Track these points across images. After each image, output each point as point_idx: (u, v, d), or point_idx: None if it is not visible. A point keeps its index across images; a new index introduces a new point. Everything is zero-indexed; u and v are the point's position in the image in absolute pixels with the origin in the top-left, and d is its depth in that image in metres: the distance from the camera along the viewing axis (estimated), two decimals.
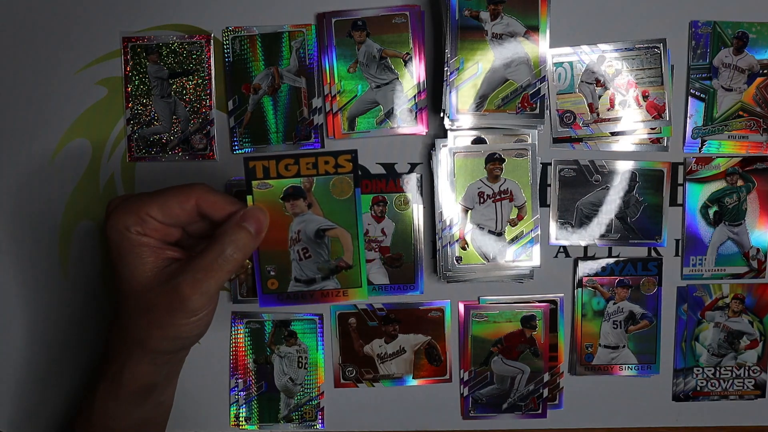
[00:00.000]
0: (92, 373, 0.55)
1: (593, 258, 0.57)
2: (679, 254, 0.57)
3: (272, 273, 0.42)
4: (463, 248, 0.54)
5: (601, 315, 0.57)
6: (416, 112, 0.55)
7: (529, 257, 0.54)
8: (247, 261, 0.45)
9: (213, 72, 0.55)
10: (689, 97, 0.56)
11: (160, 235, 0.43)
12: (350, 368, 0.57)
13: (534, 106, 0.53)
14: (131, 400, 0.46)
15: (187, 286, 0.41)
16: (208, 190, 0.43)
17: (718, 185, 0.57)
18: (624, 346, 0.57)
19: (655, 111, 0.55)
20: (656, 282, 0.57)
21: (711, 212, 0.57)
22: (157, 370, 0.45)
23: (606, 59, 0.55)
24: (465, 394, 0.58)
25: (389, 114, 0.55)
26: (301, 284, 0.43)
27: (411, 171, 0.56)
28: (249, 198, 0.42)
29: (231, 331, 0.57)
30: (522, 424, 0.58)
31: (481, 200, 0.54)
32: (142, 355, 0.44)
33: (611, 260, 0.57)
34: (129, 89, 0.55)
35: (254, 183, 0.42)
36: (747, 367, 0.58)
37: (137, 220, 0.42)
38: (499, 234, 0.54)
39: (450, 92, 0.53)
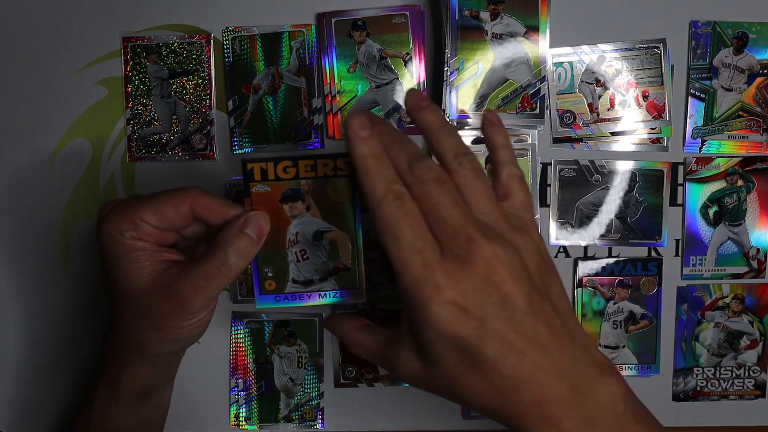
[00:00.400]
0: (90, 375, 0.55)
1: (593, 258, 0.57)
2: (679, 254, 0.57)
3: (270, 274, 0.42)
4: None
5: (601, 315, 0.57)
6: None
7: None
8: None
9: (213, 72, 0.55)
10: (689, 97, 0.56)
11: (155, 239, 0.43)
12: (350, 368, 0.57)
13: (534, 106, 0.53)
14: (130, 403, 0.46)
15: (189, 291, 0.41)
16: (202, 193, 0.43)
17: (718, 185, 0.57)
18: (624, 346, 0.57)
19: (655, 111, 0.55)
20: (656, 282, 0.57)
21: (711, 212, 0.57)
22: (156, 372, 0.45)
23: (606, 59, 0.55)
24: None
25: (389, 114, 0.55)
26: (298, 285, 0.43)
27: None
28: (247, 200, 0.42)
29: (231, 331, 0.57)
30: None
31: None
32: (141, 358, 0.44)
33: (611, 260, 0.57)
34: (129, 89, 0.55)
35: (252, 185, 0.42)
36: (747, 367, 0.58)
37: (131, 225, 0.42)
38: None
39: (450, 92, 0.53)
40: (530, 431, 0.35)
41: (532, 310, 0.35)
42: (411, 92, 0.40)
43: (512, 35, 0.53)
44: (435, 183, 0.36)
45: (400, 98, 0.54)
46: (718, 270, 0.57)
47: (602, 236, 0.56)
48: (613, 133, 0.55)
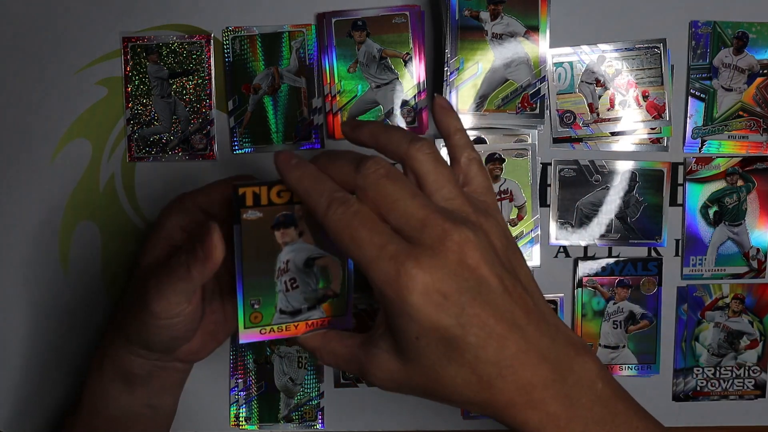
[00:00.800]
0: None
1: (593, 258, 0.57)
2: (679, 254, 0.57)
3: (256, 306, 0.39)
4: None
5: (601, 315, 0.57)
6: (416, 112, 0.55)
7: (529, 257, 0.54)
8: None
9: (213, 72, 0.55)
10: (689, 97, 0.56)
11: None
12: None
13: (534, 106, 0.53)
14: (112, 385, 0.46)
15: (152, 285, 0.40)
16: (246, 179, 0.45)
17: (718, 185, 0.57)
18: (624, 346, 0.57)
19: (655, 111, 0.55)
20: (656, 282, 0.57)
21: (711, 212, 0.57)
22: (132, 361, 0.45)
23: (606, 59, 0.55)
24: None
25: (389, 114, 0.55)
26: (285, 316, 0.40)
27: None
28: (236, 228, 0.38)
29: None
30: None
31: None
32: (121, 341, 0.45)
33: (611, 260, 0.57)
34: (129, 89, 0.55)
35: (242, 211, 0.38)
36: (747, 367, 0.58)
37: (181, 208, 0.45)
38: None
39: (450, 92, 0.53)
40: (517, 418, 0.35)
41: (506, 293, 0.34)
42: (345, 123, 0.41)
43: (512, 35, 0.53)
44: (387, 179, 0.35)
45: (400, 98, 0.54)
46: (718, 270, 0.57)
47: (602, 236, 0.56)
48: (613, 133, 0.55)
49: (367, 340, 0.38)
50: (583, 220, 0.56)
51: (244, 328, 0.39)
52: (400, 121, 0.55)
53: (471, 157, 0.40)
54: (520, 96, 0.53)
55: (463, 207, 0.36)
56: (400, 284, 0.33)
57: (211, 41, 0.54)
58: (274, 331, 0.40)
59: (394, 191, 0.34)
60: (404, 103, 0.54)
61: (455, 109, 0.53)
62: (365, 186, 0.35)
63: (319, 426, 0.58)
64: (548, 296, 0.57)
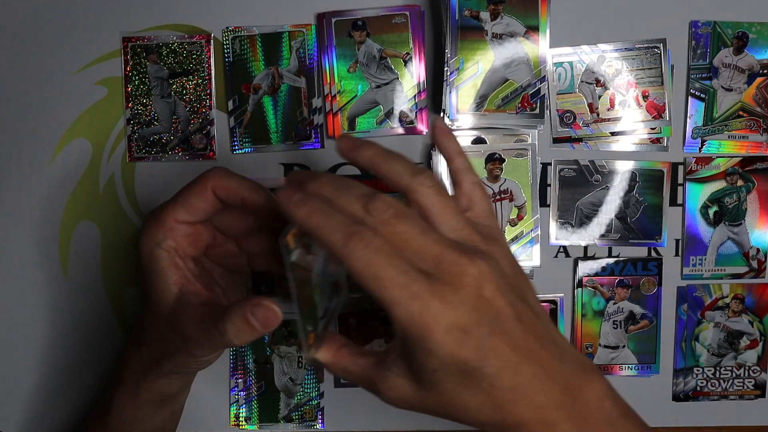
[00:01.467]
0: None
1: (593, 258, 0.57)
2: (679, 254, 0.57)
3: (310, 328, 0.38)
4: None
5: (601, 315, 0.57)
6: (416, 112, 0.55)
7: (529, 257, 0.55)
8: None
9: (213, 72, 0.55)
10: (689, 97, 0.56)
11: (189, 241, 0.42)
12: None
13: (534, 106, 0.53)
14: (147, 409, 0.46)
15: (193, 343, 0.41)
16: (223, 174, 0.42)
17: (718, 185, 0.57)
18: (624, 346, 0.57)
19: (655, 111, 0.55)
20: (656, 282, 0.57)
21: (711, 212, 0.57)
22: (171, 383, 0.46)
23: (606, 59, 0.55)
24: None
25: (389, 114, 0.55)
26: (324, 319, 0.40)
27: None
28: (290, 277, 0.36)
29: None
30: None
31: None
32: (157, 371, 0.45)
33: (611, 260, 0.57)
34: (129, 89, 0.55)
35: (293, 262, 0.36)
36: (747, 367, 0.58)
37: (167, 232, 0.42)
38: None
39: (450, 92, 0.53)
40: None
41: (519, 320, 0.35)
42: (341, 138, 0.39)
43: (512, 35, 0.53)
44: (397, 218, 0.34)
45: (400, 98, 0.54)
46: (718, 270, 0.57)
47: (602, 236, 0.56)
48: (613, 133, 0.55)
49: (379, 362, 0.38)
50: (583, 220, 0.56)
51: (308, 354, 0.39)
52: (401, 121, 0.55)
53: (474, 182, 0.40)
54: (520, 96, 0.53)
55: (471, 236, 0.36)
56: (424, 323, 0.33)
57: (211, 41, 0.54)
58: (320, 338, 0.40)
59: (405, 230, 0.34)
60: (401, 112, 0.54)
61: (456, 110, 0.53)
62: (375, 225, 0.34)
63: (319, 426, 0.58)
64: (548, 296, 0.57)
